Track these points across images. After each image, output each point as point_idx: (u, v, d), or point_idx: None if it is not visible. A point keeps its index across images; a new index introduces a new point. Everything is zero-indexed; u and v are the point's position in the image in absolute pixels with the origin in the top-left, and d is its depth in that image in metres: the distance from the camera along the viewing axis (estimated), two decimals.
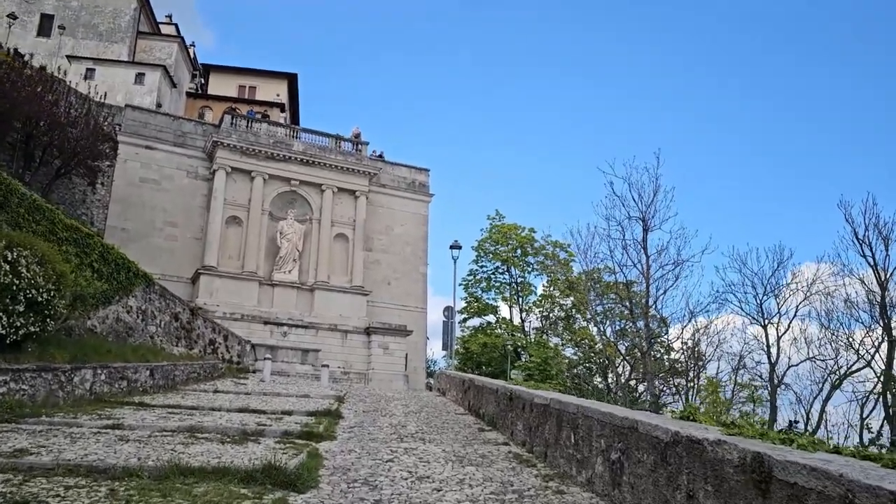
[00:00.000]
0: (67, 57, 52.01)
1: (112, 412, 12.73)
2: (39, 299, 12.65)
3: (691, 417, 6.53)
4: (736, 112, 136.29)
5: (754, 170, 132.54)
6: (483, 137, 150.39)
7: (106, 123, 35.88)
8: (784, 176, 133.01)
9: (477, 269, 48.91)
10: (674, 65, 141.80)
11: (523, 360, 45.56)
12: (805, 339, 33.17)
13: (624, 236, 29.83)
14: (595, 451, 7.66)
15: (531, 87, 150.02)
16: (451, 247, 29.51)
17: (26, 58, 32.04)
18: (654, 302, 28.68)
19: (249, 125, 38.47)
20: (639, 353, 30.82)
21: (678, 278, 29.80)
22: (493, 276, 48.65)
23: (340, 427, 13.19)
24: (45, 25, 56.77)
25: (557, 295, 47.24)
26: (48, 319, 13.14)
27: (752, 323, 35.25)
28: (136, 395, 16.13)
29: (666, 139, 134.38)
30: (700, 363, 37.61)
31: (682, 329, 30.36)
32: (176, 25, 65.54)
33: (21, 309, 12.30)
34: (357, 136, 41.31)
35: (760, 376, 35.27)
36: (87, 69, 51.69)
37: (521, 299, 48.64)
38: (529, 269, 48.53)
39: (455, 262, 29.51)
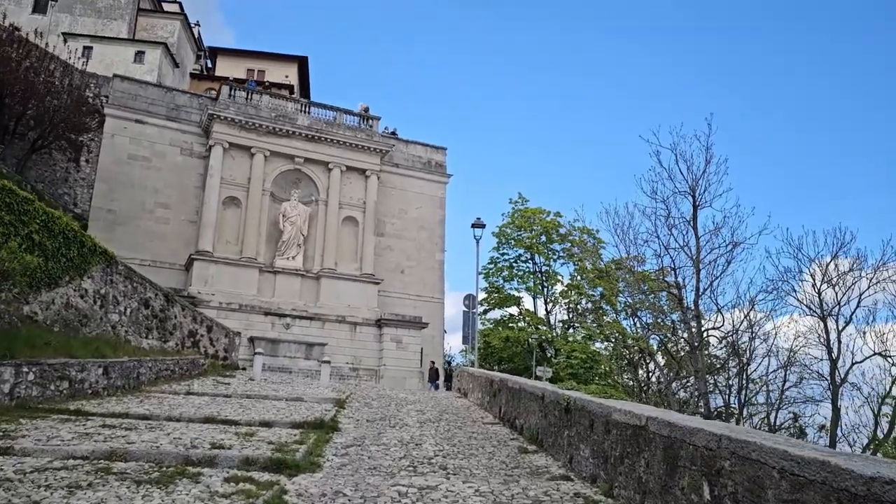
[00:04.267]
0: (63, 34, 48.98)
1: (20, 426, 9.29)
2: None
3: None
4: (790, 78, 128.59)
5: (811, 140, 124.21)
6: (504, 116, 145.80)
7: (91, 95, 32.67)
8: (844, 150, 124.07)
9: (498, 257, 45.20)
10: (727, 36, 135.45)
11: (548, 354, 41.93)
12: (874, 332, 29.34)
13: (669, 214, 26.10)
14: None
15: (558, 58, 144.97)
16: (473, 225, 25.83)
17: None
18: (708, 289, 24.96)
19: (249, 97, 34.98)
20: (687, 348, 27.10)
21: (730, 263, 26.08)
22: (515, 264, 44.88)
23: (332, 447, 9.68)
24: (41, 2, 53.79)
25: (586, 285, 43.45)
26: None
27: (809, 314, 31.42)
28: (81, 400, 12.73)
29: (716, 108, 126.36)
30: (745, 359, 33.83)
31: (741, 321, 26.53)
32: (180, 3, 62.33)
33: None
34: (365, 110, 37.71)
35: (819, 374, 31.42)
36: (84, 47, 48.70)
37: (545, 289, 44.89)
38: (555, 257, 44.77)
39: (478, 242, 25.88)
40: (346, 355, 32.53)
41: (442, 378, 30.63)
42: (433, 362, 31.30)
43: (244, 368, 22.59)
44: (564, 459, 8.91)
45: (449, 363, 31.19)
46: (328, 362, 20.03)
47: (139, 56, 51.21)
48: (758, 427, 35.69)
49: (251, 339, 29.98)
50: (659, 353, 39.01)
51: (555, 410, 9.72)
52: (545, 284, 44.83)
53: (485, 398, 16.38)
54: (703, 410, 24.39)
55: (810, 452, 3.91)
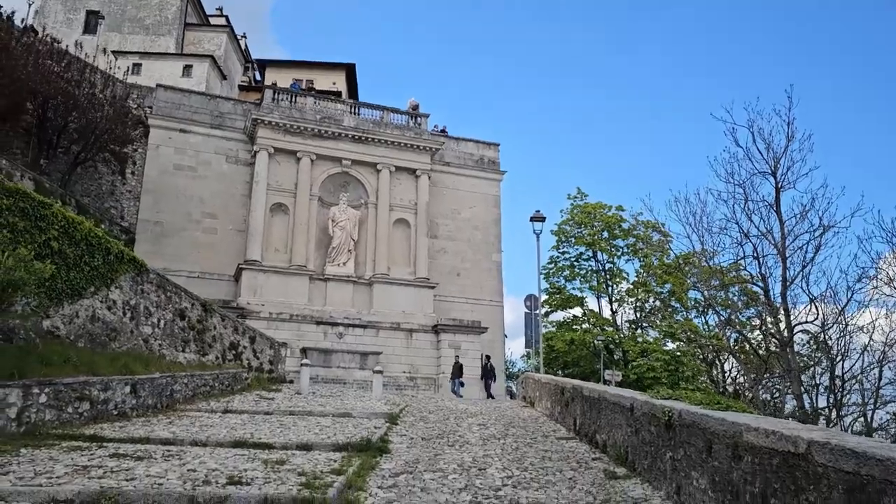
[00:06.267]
0: (113, 52, 49.13)
1: (15, 458, 7.90)
2: None
3: None
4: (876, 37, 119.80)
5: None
6: (558, 107, 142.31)
7: (134, 105, 32.05)
8: None
9: (558, 256, 42.98)
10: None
11: (616, 357, 39.56)
12: None
13: (747, 198, 23.69)
14: None
15: (614, 37, 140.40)
16: (533, 219, 23.87)
17: (41, 33, 28.21)
18: (798, 278, 22.48)
19: (293, 100, 33.89)
20: (774, 346, 24.62)
21: (818, 249, 23.45)
22: (576, 262, 42.62)
23: (378, 475, 8.00)
24: (91, 22, 54.37)
25: (653, 282, 40.85)
26: None
27: None
28: (104, 422, 11.39)
29: (796, 79, 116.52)
30: (840, 354, 30.88)
31: (837, 315, 23.89)
32: (227, 17, 62.37)
33: None
34: (415, 107, 36.21)
35: None
36: (134, 64, 48.94)
37: (610, 288, 42.45)
38: (618, 254, 42.33)
39: (538, 236, 23.92)
40: (403, 364, 30.99)
41: (478, 377, 28.09)
42: (457, 357, 28.96)
43: (292, 381, 21.20)
44: (669, 489, 7.00)
45: (488, 358, 28.42)
46: (381, 372, 18.42)
47: (187, 70, 51.10)
48: (849, 428, 32.64)
49: (303, 350, 28.76)
50: (730, 352, 36.25)
51: (650, 426, 7.81)
52: (609, 283, 42.43)
53: (555, 408, 14.50)
54: (797, 414, 21.88)
55: None
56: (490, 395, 26.49)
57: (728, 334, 31.55)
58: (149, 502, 6.21)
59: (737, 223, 23.31)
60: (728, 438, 5.61)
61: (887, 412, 33.65)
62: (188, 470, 7.64)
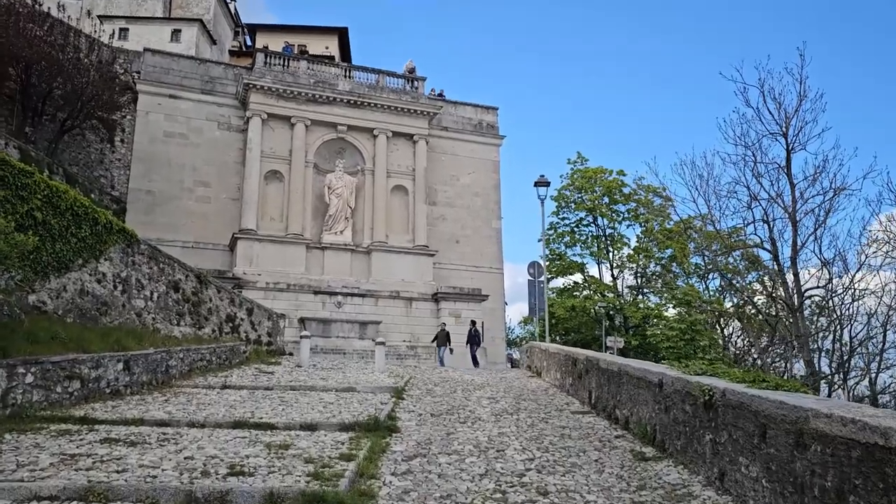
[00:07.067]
0: (99, 16, 47.76)
1: None
2: None
3: None
4: None
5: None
6: (559, 70, 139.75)
7: (121, 70, 30.92)
8: None
9: (558, 222, 42.28)
10: None
11: (617, 323, 39.12)
12: None
13: (756, 160, 22.99)
14: None
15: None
16: (537, 183, 23.09)
17: None
18: (809, 241, 21.92)
19: (286, 64, 32.80)
20: (781, 311, 24.14)
21: (829, 213, 22.83)
22: (576, 228, 41.97)
23: (390, 459, 7.44)
24: None
25: (654, 248, 40.23)
26: None
27: None
28: (96, 402, 10.81)
29: (809, 37, 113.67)
30: (848, 320, 30.53)
31: (848, 280, 23.39)
32: None
33: None
34: (411, 70, 35.17)
35: None
36: (120, 28, 47.52)
37: (611, 254, 41.86)
38: (619, 219, 41.66)
39: (542, 201, 23.18)
40: (403, 333, 30.47)
41: (468, 343, 26.37)
42: (444, 324, 27.73)
43: (291, 353, 20.63)
44: (709, 474, 6.43)
45: (473, 323, 26.77)
46: (383, 343, 17.84)
47: (175, 35, 49.75)
48: (851, 394, 32.42)
49: (302, 320, 28.22)
50: (736, 317, 35.84)
51: (684, 404, 7.23)
52: (610, 249, 41.83)
53: (566, 379, 13.97)
54: (809, 380, 21.45)
55: None
56: (475, 363, 25.29)
57: (735, 301, 31.05)
58: (141, 498, 5.60)
59: (746, 186, 22.65)
60: (789, 424, 5.01)
61: (890, 376, 33.48)
62: (185, 458, 7.04)
